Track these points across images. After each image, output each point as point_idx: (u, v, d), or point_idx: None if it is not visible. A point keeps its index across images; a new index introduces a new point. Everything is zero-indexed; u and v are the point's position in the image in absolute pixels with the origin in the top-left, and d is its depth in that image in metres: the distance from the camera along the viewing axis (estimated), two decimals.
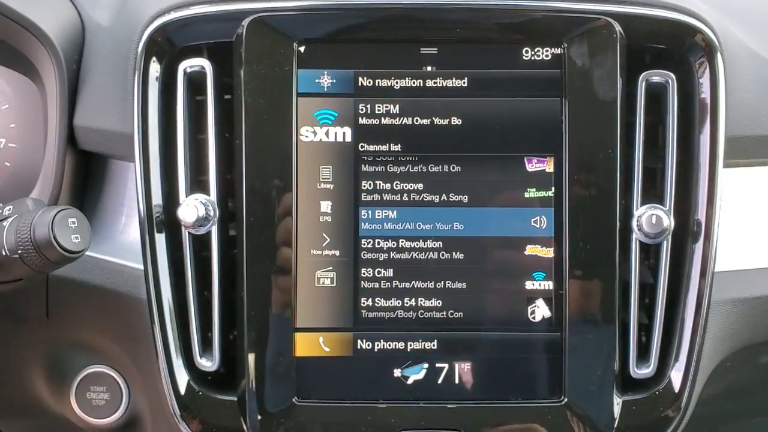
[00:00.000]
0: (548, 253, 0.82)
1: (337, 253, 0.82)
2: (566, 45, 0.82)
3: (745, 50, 0.86)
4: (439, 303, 0.82)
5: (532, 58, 0.82)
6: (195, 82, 0.84)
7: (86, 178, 0.91)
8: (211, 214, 0.82)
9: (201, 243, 0.83)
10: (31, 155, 0.90)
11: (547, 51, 0.82)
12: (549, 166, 0.82)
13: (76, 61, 0.88)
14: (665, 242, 0.82)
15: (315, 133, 0.82)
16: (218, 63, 0.83)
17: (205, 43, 0.84)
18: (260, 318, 0.81)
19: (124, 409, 0.90)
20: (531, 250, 0.82)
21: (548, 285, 0.82)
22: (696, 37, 0.82)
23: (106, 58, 0.86)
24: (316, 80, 0.82)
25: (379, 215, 0.83)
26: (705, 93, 0.82)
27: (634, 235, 0.82)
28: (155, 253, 0.82)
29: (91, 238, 0.77)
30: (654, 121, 0.84)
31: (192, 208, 0.80)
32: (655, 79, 0.83)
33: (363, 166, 0.82)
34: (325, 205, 0.82)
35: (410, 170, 0.82)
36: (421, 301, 0.82)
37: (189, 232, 0.82)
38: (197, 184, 0.84)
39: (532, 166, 0.82)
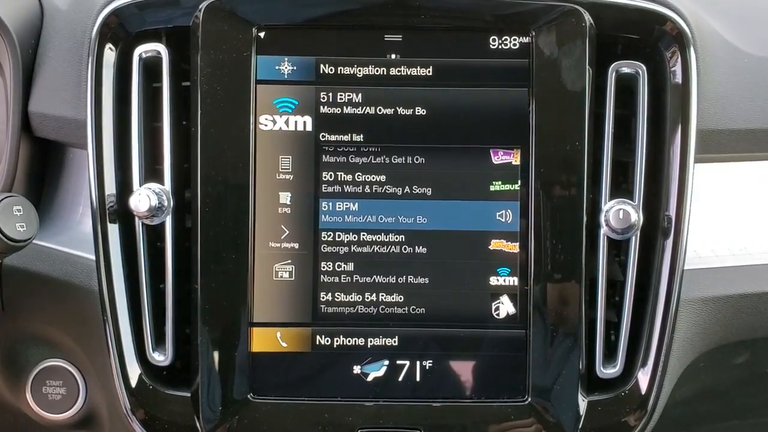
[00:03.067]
0: (514, 248, 0.80)
1: (296, 245, 0.80)
2: (534, 34, 0.79)
3: (719, 41, 0.84)
4: (400, 298, 0.80)
5: (500, 46, 0.80)
6: (153, 68, 0.82)
7: (44, 166, 0.89)
8: (165, 204, 0.79)
9: (156, 234, 0.81)
10: None
11: (514, 40, 0.80)
12: (515, 159, 0.80)
13: (33, 46, 0.86)
14: (634, 238, 0.80)
15: (274, 121, 0.80)
16: (176, 49, 0.81)
17: (163, 27, 0.81)
18: (215, 312, 0.78)
19: (81, 404, 0.88)
20: (496, 244, 0.80)
21: (513, 281, 0.80)
22: (666, 25, 0.79)
23: (62, 42, 0.85)
24: (276, 67, 0.80)
25: (339, 207, 0.80)
26: (676, 84, 0.80)
27: (601, 231, 0.80)
28: (107, 243, 0.80)
29: (38, 226, 0.75)
30: (625, 114, 0.82)
31: (144, 197, 0.78)
32: (626, 70, 0.81)
33: (324, 156, 0.80)
34: (284, 197, 0.80)
35: (372, 161, 0.80)
36: (382, 296, 0.80)
37: (143, 223, 0.80)
38: (153, 173, 0.82)
39: (498, 158, 0.80)
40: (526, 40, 0.80)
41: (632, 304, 0.80)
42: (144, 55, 0.81)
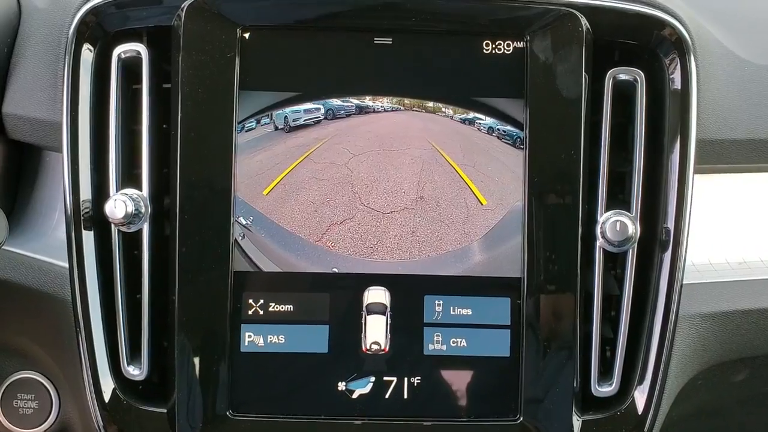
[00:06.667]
0: None
1: None
2: (529, 38, 0.76)
3: (720, 48, 0.82)
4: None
5: (493, 51, 0.77)
6: (132, 69, 0.79)
7: (19, 170, 0.86)
8: (143, 210, 0.76)
9: (133, 242, 0.78)
10: None
11: (508, 44, 0.77)
12: None
13: (9, 45, 0.83)
14: (631, 251, 0.77)
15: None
16: (157, 49, 0.78)
17: (144, 27, 0.78)
18: (194, 325, 0.75)
19: (54, 418, 0.85)
20: None
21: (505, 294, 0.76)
22: (664, 30, 0.77)
23: (38, 42, 0.82)
24: None
25: None
26: (675, 92, 0.77)
27: (597, 243, 0.77)
28: (82, 251, 0.77)
29: (7, 232, 0.72)
30: (623, 122, 0.80)
31: (120, 203, 0.75)
32: (623, 76, 0.78)
33: None
34: None
35: None
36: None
37: (119, 230, 0.77)
38: (131, 178, 0.79)
39: None
40: (520, 44, 0.77)
41: (629, 319, 0.77)
42: (123, 56, 0.78)
